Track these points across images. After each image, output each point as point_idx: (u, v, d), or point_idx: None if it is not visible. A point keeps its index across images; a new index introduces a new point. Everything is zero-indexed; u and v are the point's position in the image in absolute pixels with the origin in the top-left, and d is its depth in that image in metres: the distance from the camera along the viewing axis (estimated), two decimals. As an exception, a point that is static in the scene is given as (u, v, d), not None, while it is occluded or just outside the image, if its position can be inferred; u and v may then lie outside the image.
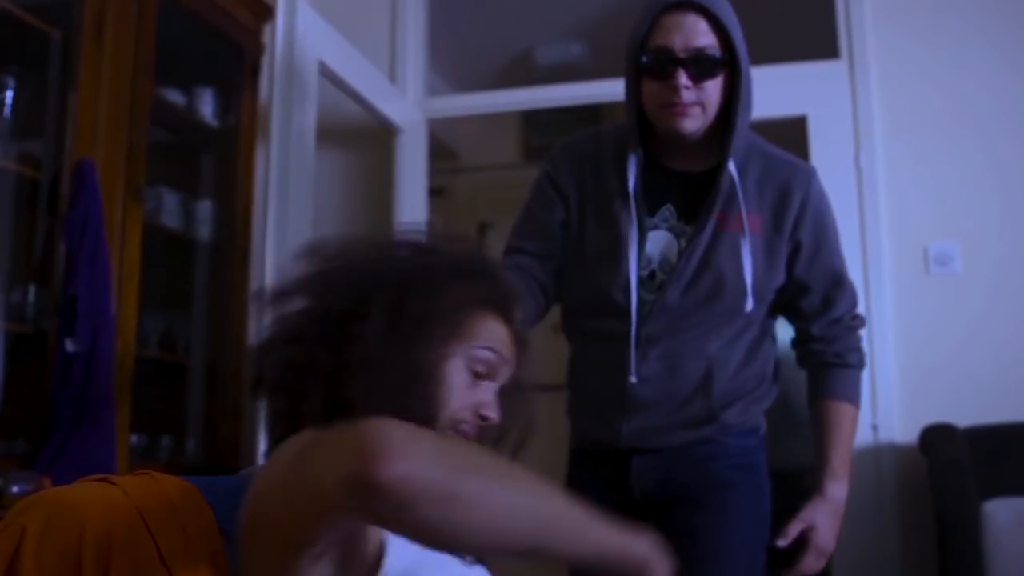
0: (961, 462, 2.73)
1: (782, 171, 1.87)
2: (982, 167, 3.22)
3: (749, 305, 1.81)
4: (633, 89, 1.82)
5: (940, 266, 3.21)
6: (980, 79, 3.26)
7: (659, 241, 1.85)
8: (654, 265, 1.85)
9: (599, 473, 1.92)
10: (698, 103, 1.77)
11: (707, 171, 1.85)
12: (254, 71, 3.15)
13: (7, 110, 2.34)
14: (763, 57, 3.36)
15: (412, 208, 3.52)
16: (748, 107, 1.82)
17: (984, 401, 3.04)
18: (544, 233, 1.94)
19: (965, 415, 2.95)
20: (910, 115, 3.30)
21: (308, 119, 2.77)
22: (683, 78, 1.74)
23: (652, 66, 1.76)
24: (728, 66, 1.77)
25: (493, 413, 1.14)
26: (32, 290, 2.32)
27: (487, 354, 1.14)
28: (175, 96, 2.94)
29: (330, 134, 3.43)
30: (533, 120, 5.11)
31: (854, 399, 1.93)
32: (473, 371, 1.14)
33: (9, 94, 2.35)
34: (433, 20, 3.85)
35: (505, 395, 1.19)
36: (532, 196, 1.99)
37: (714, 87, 1.77)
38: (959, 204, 3.23)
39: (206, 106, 3.06)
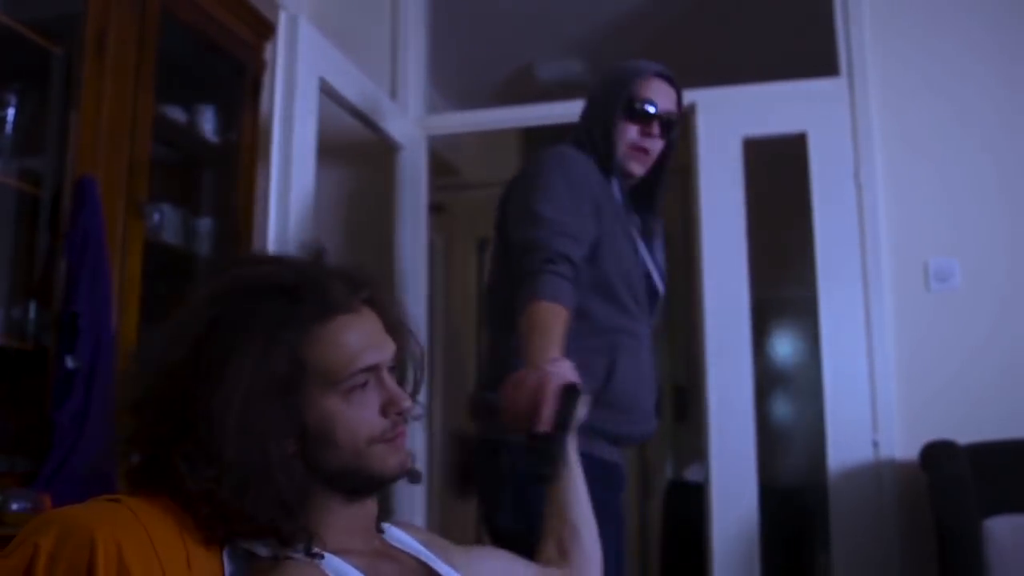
0: (962, 479, 2.72)
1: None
2: (982, 182, 3.23)
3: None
4: (607, 126, 2.12)
5: (940, 282, 3.21)
6: (979, 95, 3.27)
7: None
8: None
9: (620, 487, 2.09)
10: (654, 155, 2.15)
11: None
12: (255, 88, 3.16)
13: (9, 127, 2.35)
14: (763, 75, 3.40)
15: (413, 225, 3.52)
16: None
17: (985, 417, 3.03)
18: (587, 240, 1.97)
19: (966, 432, 2.94)
20: (910, 131, 3.31)
21: (309, 136, 2.77)
22: (657, 130, 2.13)
23: (641, 113, 2.12)
24: None
25: (402, 403, 1.09)
26: (32, 307, 2.32)
27: (358, 378, 1.07)
28: (176, 113, 2.94)
29: (330, 151, 3.43)
30: (533, 136, 5.11)
31: None
32: (357, 389, 1.07)
33: (11, 111, 2.35)
34: (434, 37, 3.86)
35: (399, 363, 1.14)
36: (571, 195, 1.97)
37: (661, 144, 2.17)
38: (959, 220, 3.23)
39: (207, 123, 3.06)
